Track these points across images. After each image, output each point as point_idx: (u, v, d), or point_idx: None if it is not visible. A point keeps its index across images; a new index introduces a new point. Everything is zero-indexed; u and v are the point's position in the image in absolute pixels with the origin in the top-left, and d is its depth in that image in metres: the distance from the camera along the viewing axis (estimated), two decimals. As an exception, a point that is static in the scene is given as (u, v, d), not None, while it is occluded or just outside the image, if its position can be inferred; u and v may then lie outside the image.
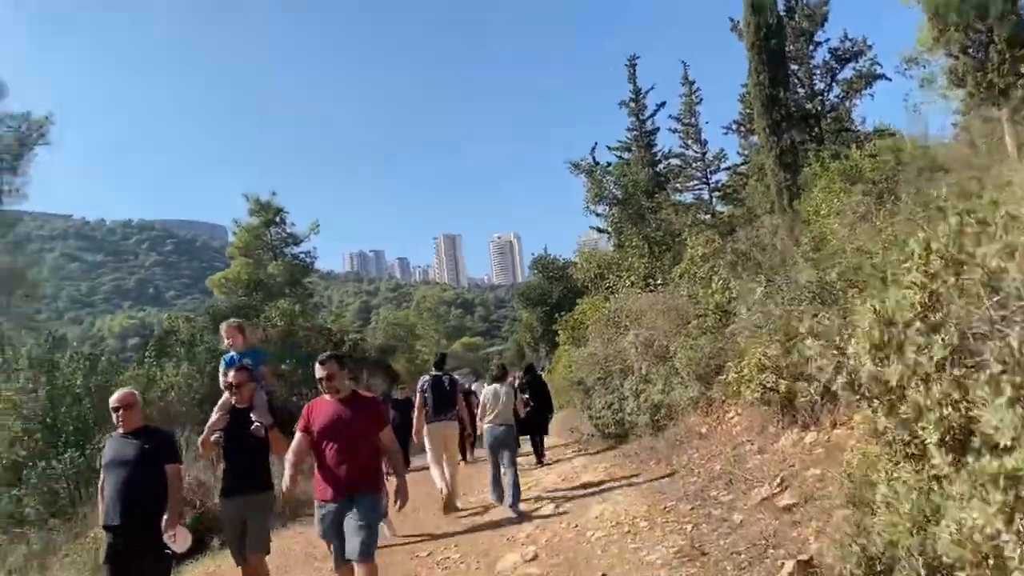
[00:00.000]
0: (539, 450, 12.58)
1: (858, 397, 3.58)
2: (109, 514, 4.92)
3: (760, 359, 7.12)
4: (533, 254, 37.53)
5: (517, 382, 12.94)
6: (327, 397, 5.04)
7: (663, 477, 8.31)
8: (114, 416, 5.09)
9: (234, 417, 5.69)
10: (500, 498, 8.66)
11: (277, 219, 36.98)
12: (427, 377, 9.54)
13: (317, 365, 5.02)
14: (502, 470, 8.69)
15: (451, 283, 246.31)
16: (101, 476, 5.17)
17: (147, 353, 19.15)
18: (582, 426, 14.34)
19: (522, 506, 8.32)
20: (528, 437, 12.51)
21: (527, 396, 12.35)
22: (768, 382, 7.05)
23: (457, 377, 10.43)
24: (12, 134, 20.33)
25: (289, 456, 5.05)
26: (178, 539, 5.02)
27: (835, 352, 6.75)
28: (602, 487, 8.66)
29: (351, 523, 4.72)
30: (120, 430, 5.11)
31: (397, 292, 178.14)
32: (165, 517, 4.95)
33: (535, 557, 6.17)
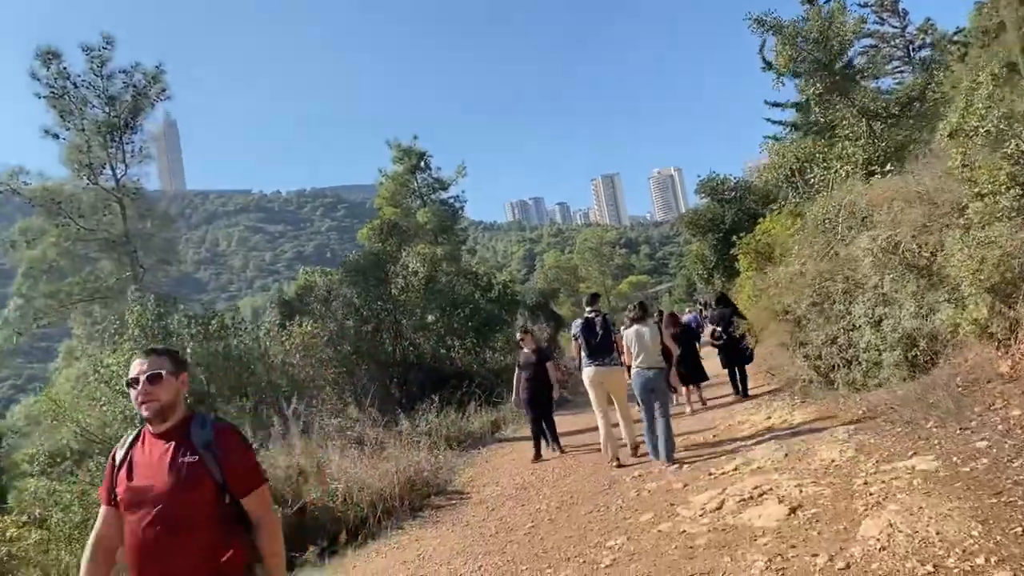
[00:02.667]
0: (742, 383, 11.43)
1: None
2: None
3: None
4: (699, 176, 33.08)
5: (710, 314, 12.85)
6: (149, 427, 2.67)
7: (970, 457, 4.95)
8: None
9: None
10: (657, 452, 7.71)
11: (421, 164, 35.11)
12: (578, 321, 8.74)
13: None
14: (656, 419, 7.74)
15: (612, 223, 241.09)
16: None
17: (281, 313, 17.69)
18: (792, 368, 10.92)
19: (730, 508, 5.39)
20: (728, 371, 11.66)
21: (720, 328, 11.38)
22: None
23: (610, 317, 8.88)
24: (127, 90, 19.33)
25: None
26: None
27: None
28: (864, 470, 5.38)
29: None
30: None
31: (559, 237, 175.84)
32: None
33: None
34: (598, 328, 8.36)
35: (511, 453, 10.84)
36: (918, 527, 3.96)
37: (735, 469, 6.57)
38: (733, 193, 33.07)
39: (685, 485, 6.52)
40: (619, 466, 8.05)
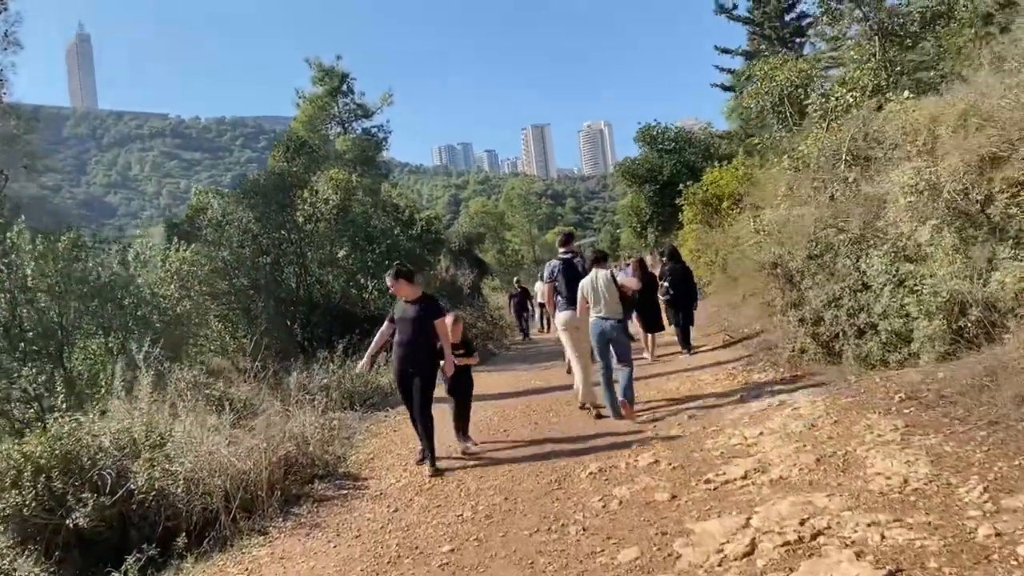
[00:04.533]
0: (685, 337, 10.88)
1: None
2: None
3: None
4: (640, 123, 31.34)
5: (659, 269, 11.91)
6: None
7: None
8: None
9: None
10: (615, 408, 7.09)
11: (343, 87, 32.02)
12: (556, 261, 8.13)
13: None
14: (613, 372, 7.18)
15: (540, 175, 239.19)
16: None
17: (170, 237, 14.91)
18: (767, 331, 9.12)
19: (769, 556, 3.39)
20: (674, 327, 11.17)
21: (667, 284, 10.93)
22: None
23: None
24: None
25: None
26: None
27: None
28: (975, 504, 3.46)
29: None
30: None
31: (486, 184, 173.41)
32: None
33: None
34: (579, 269, 7.72)
35: (425, 420, 8.70)
36: None
37: (744, 477, 4.61)
38: (673, 144, 31.55)
39: (673, 497, 4.53)
40: (596, 417, 7.32)
